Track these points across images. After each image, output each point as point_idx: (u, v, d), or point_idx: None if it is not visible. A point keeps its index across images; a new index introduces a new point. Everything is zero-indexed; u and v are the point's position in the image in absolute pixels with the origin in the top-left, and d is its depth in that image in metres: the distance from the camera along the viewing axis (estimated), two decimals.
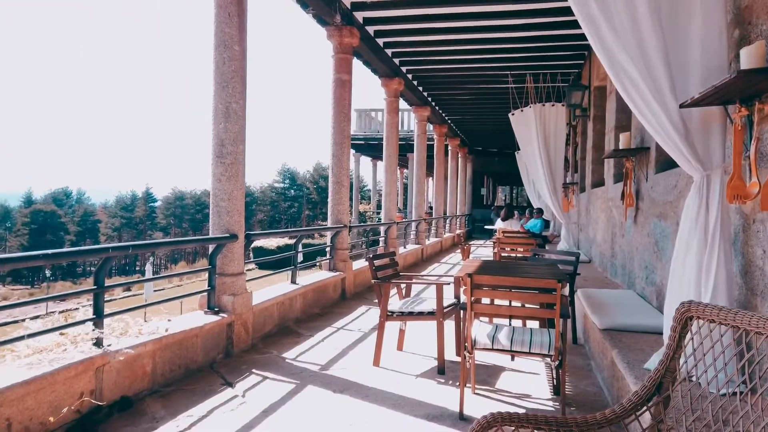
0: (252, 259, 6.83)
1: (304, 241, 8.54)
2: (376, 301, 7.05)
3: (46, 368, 3.18)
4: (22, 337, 3.28)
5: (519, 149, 12.60)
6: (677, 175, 4.55)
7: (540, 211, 12.71)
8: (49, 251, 3.26)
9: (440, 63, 12.15)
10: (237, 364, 4.86)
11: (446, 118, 18.89)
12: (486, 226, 18.35)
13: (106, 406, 3.59)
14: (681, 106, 2.94)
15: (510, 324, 4.92)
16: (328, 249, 8.59)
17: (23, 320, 3.52)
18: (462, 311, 4.39)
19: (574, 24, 8.12)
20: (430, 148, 18.81)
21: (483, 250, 17.26)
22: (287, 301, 6.46)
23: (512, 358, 4.97)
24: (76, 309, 3.95)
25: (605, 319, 4.48)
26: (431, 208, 21.37)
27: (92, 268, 64.31)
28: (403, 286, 5.42)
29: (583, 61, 11.19)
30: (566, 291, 4.96)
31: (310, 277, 7.70)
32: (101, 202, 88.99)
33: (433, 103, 16.33)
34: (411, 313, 4.80)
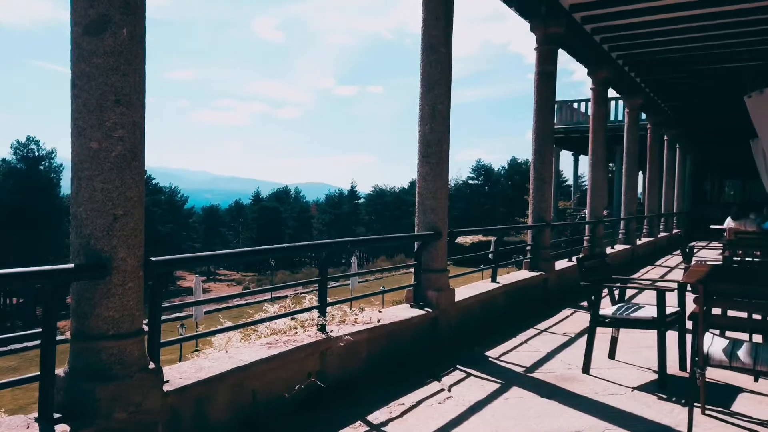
0: (448, 257, 6.87)
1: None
2: (583, 304, 6.67)
3: (282, 348, 3.61)
4: (263, 320, 3.78)
5: (757, 137, 10.85)
6: None
7: None
8: (285, 245, 3.73)
9: (658, 45, 11.02)
10: (441, 359, 4.96)
11: (662, 105, 17.03)
12: (712, 226, 16.11)
13: (329, 387, 3.94)
14: None
15: (750, 339, 4.26)
16: (528, 248, 8.35)
17: (262, 303, 4.06)
18: (690, 321, 3.92)
19: None
20: (641, 139, 17.14)
21: (707, 253, 15.24)
22: (488, 299, 6.43)
23: (755, 379, 4.29)
24: (295, 295, 4.43)
25: None
26: (641, 204, 19.50)
27: (305, 260, 71.60)
28: (615, 290, 5.03)
29: None
30: None
31: (511, 276, 7.57)
32: (314, 199, 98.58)
33: (647, 90, 14.86)
34: (626, 321, 4.43)
